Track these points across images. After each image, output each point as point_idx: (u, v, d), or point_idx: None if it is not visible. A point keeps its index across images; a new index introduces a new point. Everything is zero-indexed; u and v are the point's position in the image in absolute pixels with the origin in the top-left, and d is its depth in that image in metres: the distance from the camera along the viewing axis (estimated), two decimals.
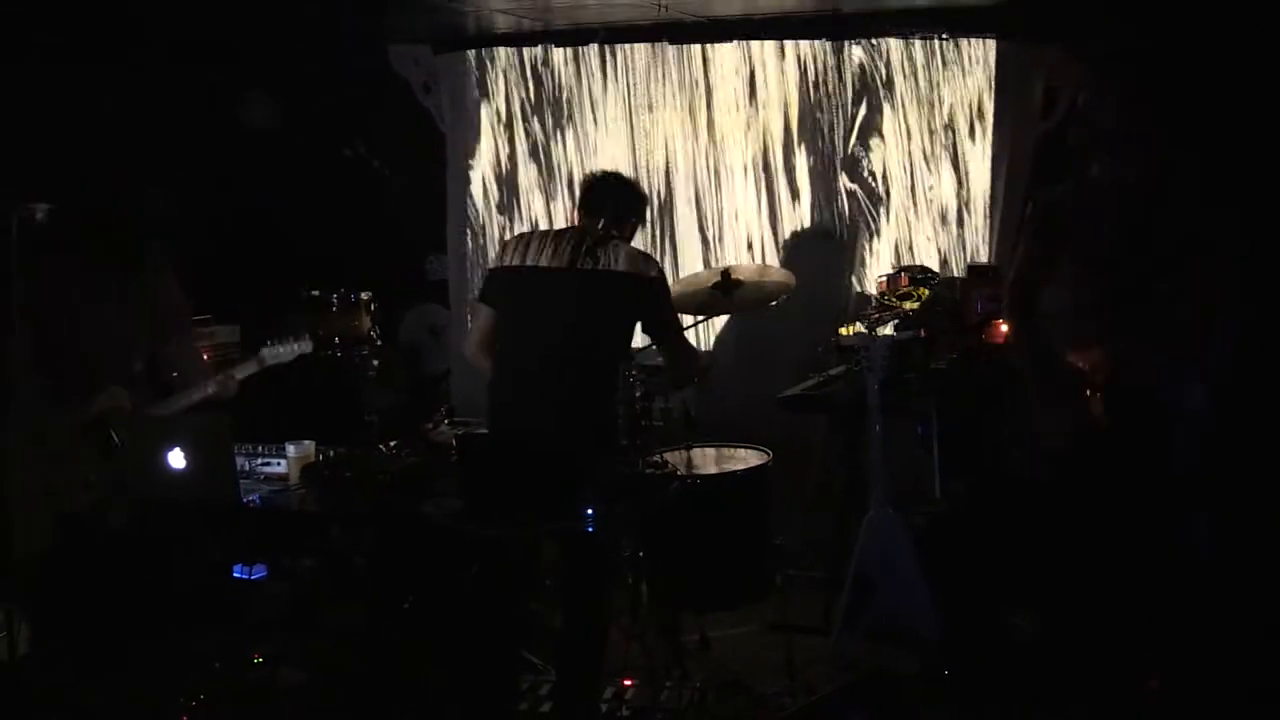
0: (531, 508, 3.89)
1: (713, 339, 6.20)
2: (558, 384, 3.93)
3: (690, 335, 5.85)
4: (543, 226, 6.37)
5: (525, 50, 6.39)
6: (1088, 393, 3.79)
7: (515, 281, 4.10)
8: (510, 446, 4.01)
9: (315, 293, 4.77)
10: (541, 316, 4.01)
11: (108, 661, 4.31)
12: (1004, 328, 4.75)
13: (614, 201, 4.24)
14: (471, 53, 6.49)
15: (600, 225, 4.17)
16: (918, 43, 5.67)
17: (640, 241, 4.73)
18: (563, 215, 6.37)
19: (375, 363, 4.76)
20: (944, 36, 5.59)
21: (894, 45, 5.73)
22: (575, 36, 6.24)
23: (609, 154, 6.31)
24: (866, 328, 4.83)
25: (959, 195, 5.76)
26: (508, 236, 5.66)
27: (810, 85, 5.90)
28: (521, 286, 4.08)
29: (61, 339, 4.40)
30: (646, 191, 4.57)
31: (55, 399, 4.33)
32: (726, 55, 6.03)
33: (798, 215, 6.03)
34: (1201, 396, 3.75)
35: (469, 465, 4.21)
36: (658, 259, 4.66)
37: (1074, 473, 3.86)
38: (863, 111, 5.85)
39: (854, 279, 5.93)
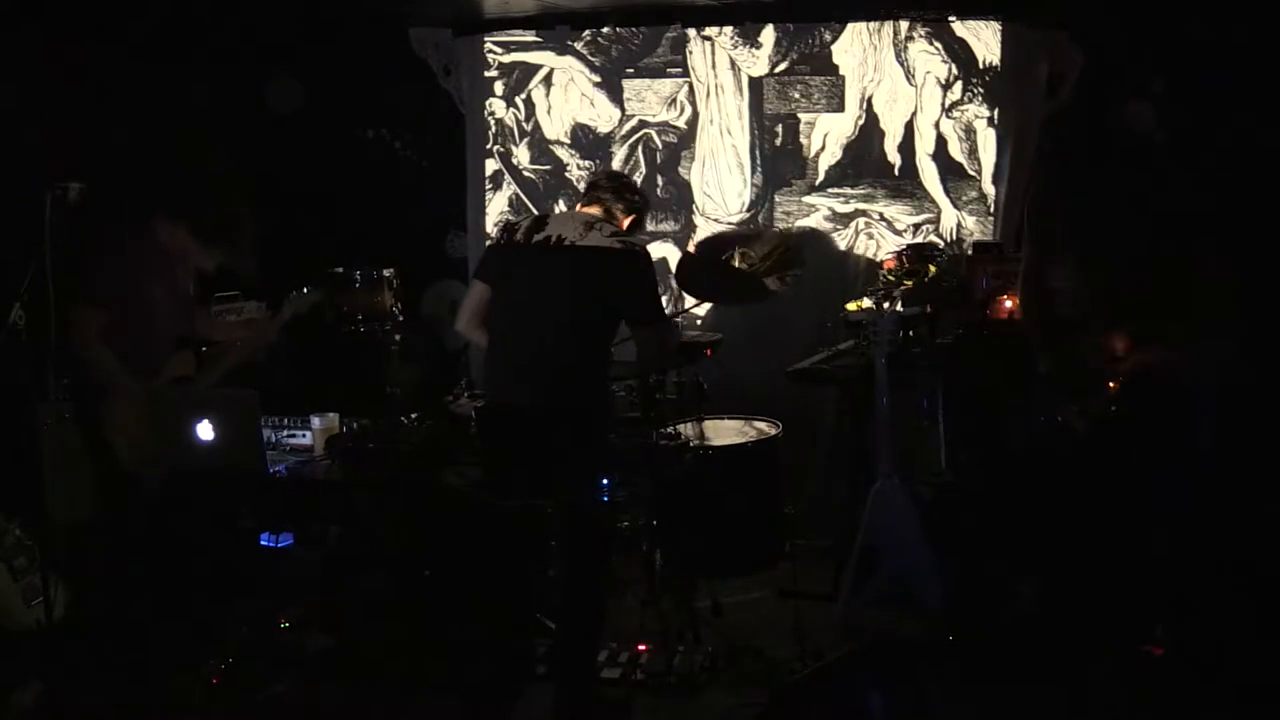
0: (528, 478, 3.99)
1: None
2: (543, 360, 3.98)
3: (699, 310, 5.99)
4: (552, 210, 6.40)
5: (546, 33, 6.44)
6: (1101, 373, 3.85)
7: (508, 260, 4.17)
8: (510, 419, 4.07)
9: (339, 270, 4.87)
10: (529, 295, 4.05)
11: (141, 625, 4.45)
12: (1008, 304, 4.82)
13: (613, 196, 4.31)
14: (490, 36, 6.56)
15: (597, 213, 4.25)
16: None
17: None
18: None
19: (397, 337, 4.85)
20: (951, 19, 5.63)
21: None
22: (590, 19, 6.29)
23: (622, 135, 6.38)
24: (874, 303, 4.87)
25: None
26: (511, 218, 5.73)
27: (824, 64, 5.95)
28: (514, 265, 4.14)
29: (133, 313, 4.56)
30: (646, 192, 4.61)
31: (126, 368, 4.50)
32: (739, 37, 6.08)
33: (814, 192, 6.08)
34: (1209, 373, 3.79)
35: (478, 436, 4.31)
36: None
37: (1076, 445, 3.91)
38: (880, 90, 5.89)
39: (863, 256, 5.97)
